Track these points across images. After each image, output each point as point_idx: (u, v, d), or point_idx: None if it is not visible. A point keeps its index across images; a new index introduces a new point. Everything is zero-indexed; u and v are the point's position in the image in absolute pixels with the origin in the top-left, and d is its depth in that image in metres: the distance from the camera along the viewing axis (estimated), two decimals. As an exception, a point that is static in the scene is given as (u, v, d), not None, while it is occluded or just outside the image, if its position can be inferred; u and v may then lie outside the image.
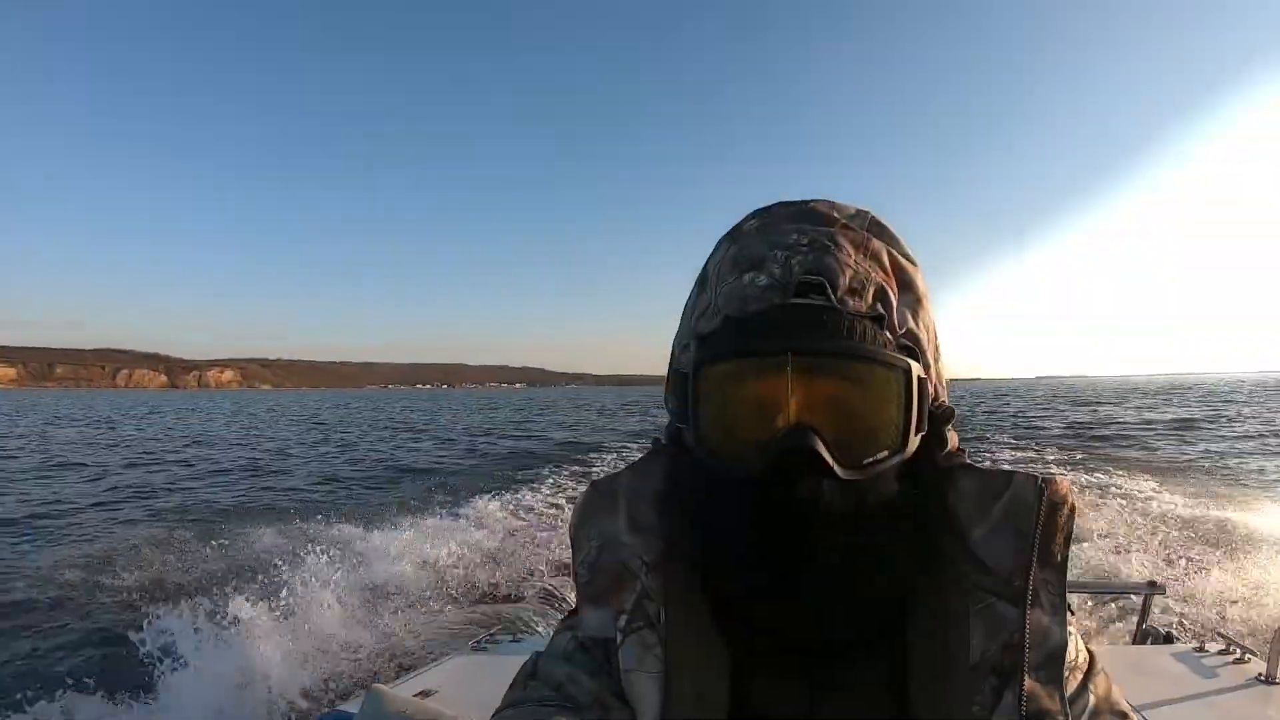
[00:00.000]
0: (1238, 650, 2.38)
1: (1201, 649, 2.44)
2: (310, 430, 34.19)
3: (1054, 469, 13.18)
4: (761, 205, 0.63)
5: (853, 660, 0.55)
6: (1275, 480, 12.47)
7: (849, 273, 0.55)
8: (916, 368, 0.54)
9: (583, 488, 0.65)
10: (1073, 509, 0.55)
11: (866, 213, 0.61)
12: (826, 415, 0.52)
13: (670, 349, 0.66)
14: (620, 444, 21.83)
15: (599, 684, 0.57)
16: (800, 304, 0.54)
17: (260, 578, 5.97)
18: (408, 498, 11.70)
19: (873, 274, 0.56)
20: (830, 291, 0.54)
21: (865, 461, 0.52)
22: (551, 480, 13.90)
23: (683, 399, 0.57)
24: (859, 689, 0.55)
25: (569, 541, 0.62)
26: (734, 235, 0.62)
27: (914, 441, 0.55)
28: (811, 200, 0.61)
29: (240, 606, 5.10)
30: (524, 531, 8.84)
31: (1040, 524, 0.53)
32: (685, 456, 0.59)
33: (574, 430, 31.30)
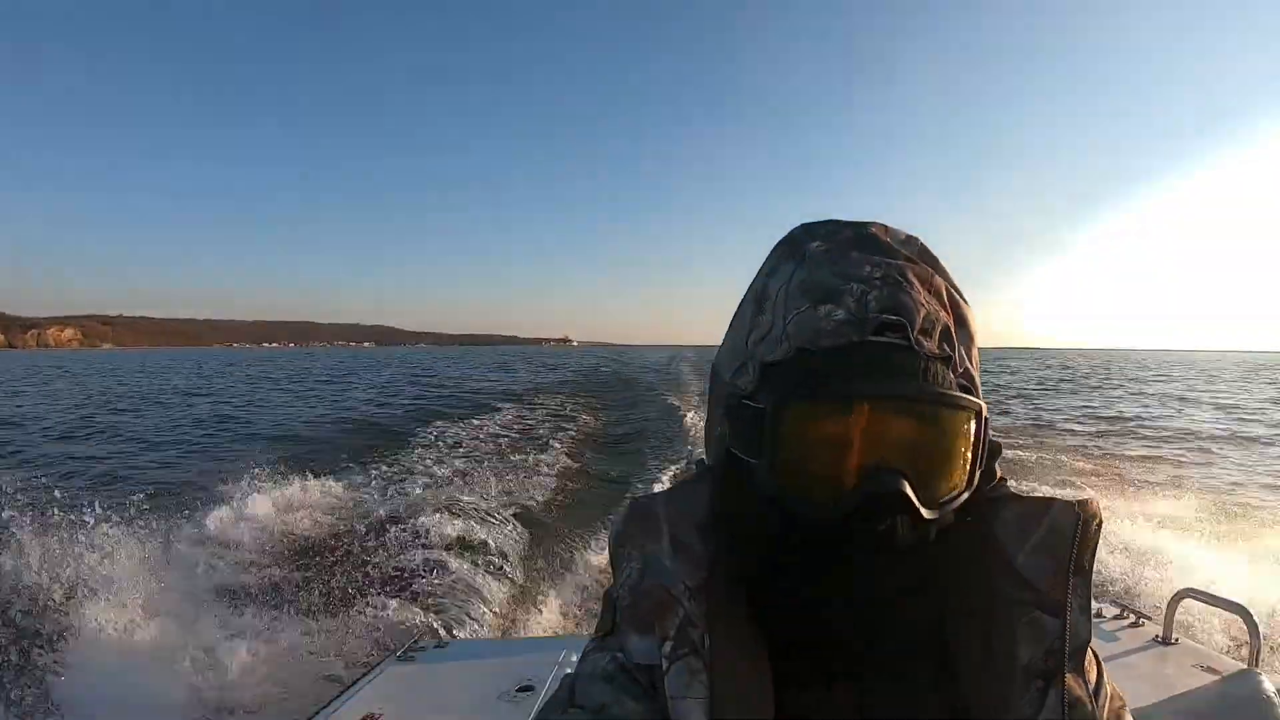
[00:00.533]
0: (1132, 615, 2.54)
1: (1099, 614, 2.56)
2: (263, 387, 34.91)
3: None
4: (814, 220, 0.63)
5: (899, 669, 0.58)
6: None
7: (923, 312, 0.56)
8: (985, 408, 0.57)
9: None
10: (1100, 524, 0.59)
11: (916, 239, 0.62)
12: (906, 456, 0.54)
13: (715, 368, 0.66)
14: (533, 391, 26.58)
15: (644, 708, 0.58)
16: (877, 342, 0.55)
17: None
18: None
19: (940, 314, 0.58)
20: (909, 331, 0.55)
21: (941, 501, 0.56)
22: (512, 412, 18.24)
23: (743, 425, 0.58)
24: (905, 695, 0.58)
25: (608, 559, 0.62)
26: (796, 254, 0.61)
27: (976, 477, 0.58)
28: (870, 224, 0.61)
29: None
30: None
31: (1076, 544, 0.58)
32: (735, 480, 0.60)
33: (491, 382, 35.11)
